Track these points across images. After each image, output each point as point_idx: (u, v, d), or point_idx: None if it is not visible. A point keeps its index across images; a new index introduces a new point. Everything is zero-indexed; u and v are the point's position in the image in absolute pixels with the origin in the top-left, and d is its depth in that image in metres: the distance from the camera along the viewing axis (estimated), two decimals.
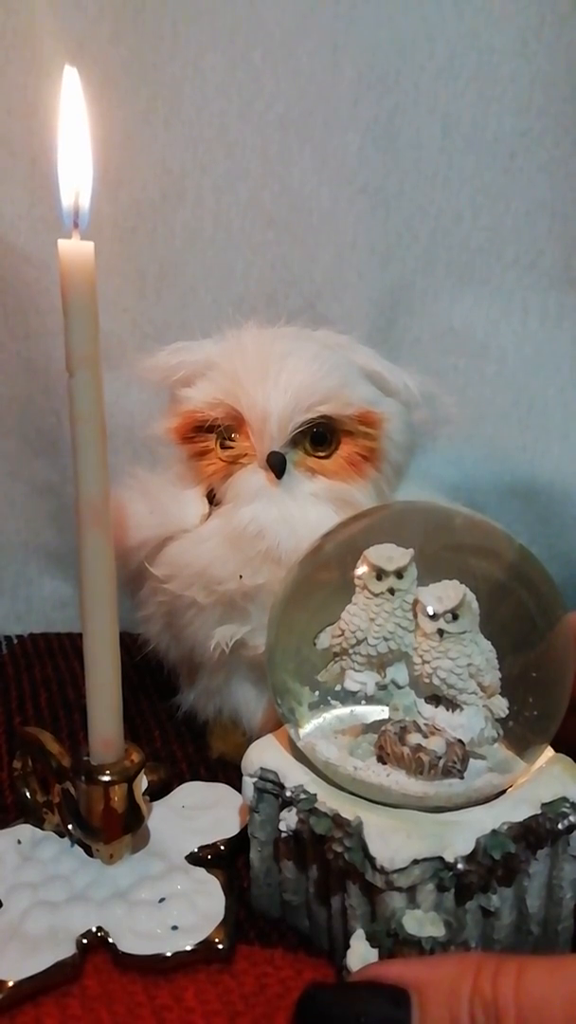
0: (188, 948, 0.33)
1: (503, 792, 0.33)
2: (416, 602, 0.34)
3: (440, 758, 0.32)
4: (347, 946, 0.31)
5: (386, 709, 0.34)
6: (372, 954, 0.30)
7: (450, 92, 0.52)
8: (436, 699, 0.34)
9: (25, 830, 0.39)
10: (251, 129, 0.53)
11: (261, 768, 0.34)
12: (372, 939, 0.31)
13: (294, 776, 0.33)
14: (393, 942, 0.30)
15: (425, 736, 0.33)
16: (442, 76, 0.52)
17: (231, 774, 0.42)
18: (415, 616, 0.34)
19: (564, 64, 0.51)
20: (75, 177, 0.32)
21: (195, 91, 0.53)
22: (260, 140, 0.54)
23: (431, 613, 0.33)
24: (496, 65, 0.52)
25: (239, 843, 0.38)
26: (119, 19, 0.52)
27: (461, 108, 0.53)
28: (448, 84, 0.52)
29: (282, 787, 0.33)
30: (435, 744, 0.32)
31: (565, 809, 0.31)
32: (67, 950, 0.33)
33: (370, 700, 0.34)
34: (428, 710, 0.34)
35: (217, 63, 0.53)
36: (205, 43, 0.52)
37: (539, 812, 0.31)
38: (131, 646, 0.44)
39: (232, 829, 0.39)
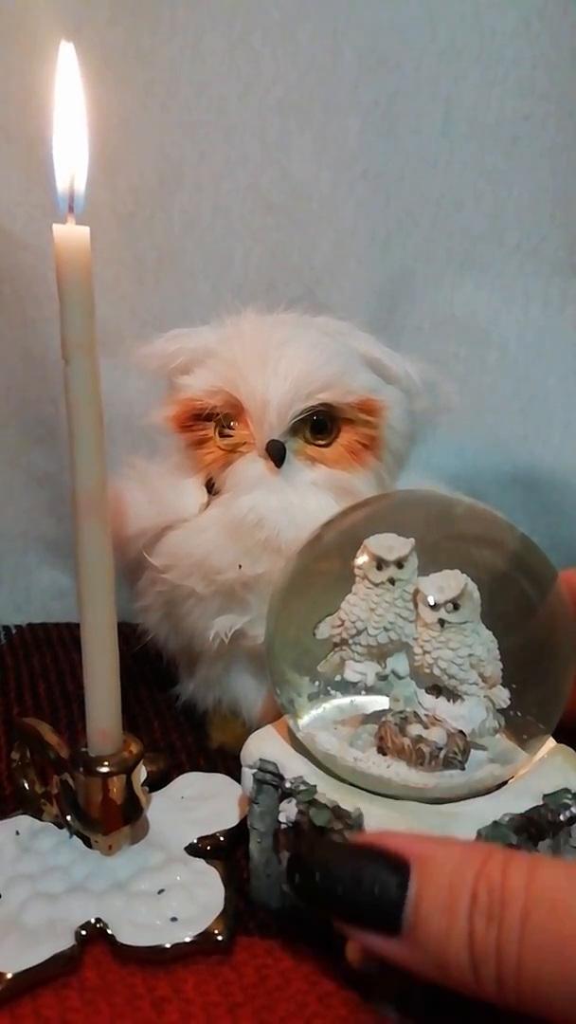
0: (187, 939, 0.33)
1: (504, 783, 0.33)
2: (417, 592, 0.33)
3: (441, 749, 0.32)
4: (346, 937, 0.31)
5: (386, 700, 0.34)
6: None
7: (452, 75, 0.52)
8: (437, 690, 0.33)
9: (23, 821, 0.39)
10: (250, 113, 0.53)
11: (260, 759, 0.34)
12: None
13: (294, 767, 0.33)
14: None
15: (426, 727, 0.32)
16: (444, 59, 0.52)
17: (230, 765, 0.41)
18: (416, 606, 0.33)
19: (567, 46, 0.51)
20: (71, 160, 0.32)
21: (193, 75, 0.53)
22: (259, 124, 0.53)
23: (432, 603, 0.33)
24: (498, 48, 0.51)
25: (238, 834, 0.38)
26: (116, 1, 0.52)
27: (463, 92, 0.52)
28: (450, 67, 0.52)
29: (281, 778, 0.33)
30: (436, 735, 0.32)
31: (567, 800, 0.31)
32: (66, 942, 0.32)
33: (370, 691, 0.34)
34: (429, 701, 0.33)
35: (216, 46, 0.52)
36: (204, 26, 0.52)
37: (541, 803, 0.31)
38: (130, 636, 0.44)
39: (231, 820, 0.39)
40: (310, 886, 0.28)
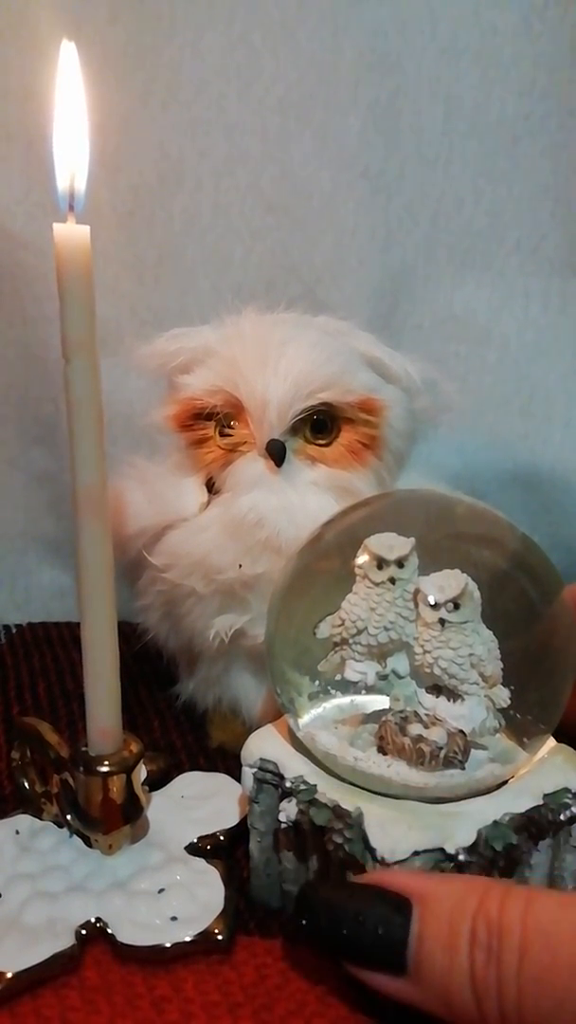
0: (187, 939, 0.33)
1: (505, 783, 0.33)
2: (417, 591, 0.33)
3: (441, 748, 0.32)
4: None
5: (387, 699, 0.34)
6: None
7: (452, 74, 0.52)
8: (437, 689, 0.33)
9: (24, 820, 0.39)
10: (250, 112, 0.53)
11: (261, 758, 0.34)
12: None
13: (294, 766, 0.33)
14: None
15: (426, 726, 0.32)
16: (444, 57, 0.51)
17: (230, 764, 0.41)
18: (416, 605, 0.33)
19: (568, 45, 0.50)
20: (71, 159, 0.32)
21: (193, 73, 0.52)
22: (259, 123, 0.53)
23: (432, 602, 0.33)
24: (499, 46, 0.51)
25: (239, 833, 0.38)
26: (117, 0, 0.52)
27: (463, 90, 0.52)
28: (450, 66, 0.52)
29: (282, 777, 0.33)
30: (436, 734, 0.32)
31: (567, 800, 0.31)
32: (66, 941, 0.32)
33: (370, 690, 0.34)
34: (429, 700, 0.33)
35: (216, 44, 0.52)
36: (204, 24, 0.52)
37: (541, 803, 0.31)
38: (130, 635, 0.44)
39: (231, 819, 0.39)
40: (316, 928, 0.29)
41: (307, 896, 0.30)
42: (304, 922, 0.29)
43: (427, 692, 0.34)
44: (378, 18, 0.51)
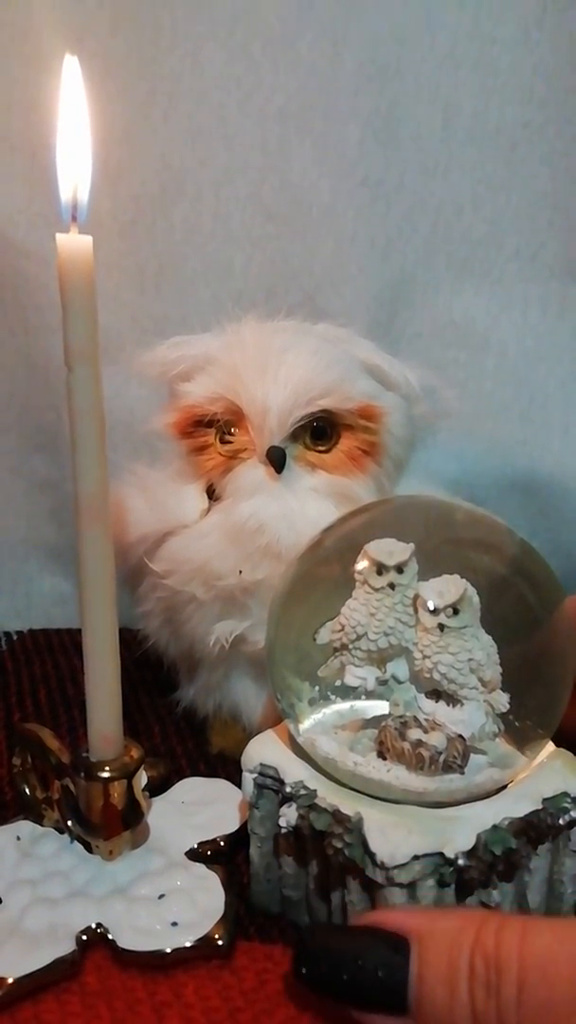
0: (188, 944, 0.33)
1: (504, 787, 0.33)
2: (417, 597, 0.33)
3: (441, 753, 0.32)
4: None
5: (386, 704, 0.34)
6: None
7: (451, 83, 0.52)
8: (437, 694, 0.34)
9: (24, 826, 0.39)
10: (250, 122, 0.53)
11: (261, 764, 0.34)
12: None
13: (294, 772, 0.33)
14: None
15: (425, 731, 0.33)
16: (443, 67, 0.52)
17: (231, 770, 0.41)
18: (416, 611, 0.34)
19: (566, 54, 0.51)
20: (74, 170, 0.32)
21: (194, 84, 0.53)
22: (259, 133, 0.53)
23: (432, 608, 0.33)
24: (497, 55, 0.51)
25: (239, 839, 0.38)
26: (118, 11, 0.52)
27: (462, 99, 0.52)
28: (449, 75, 0.52)
29: (282, 783, 0.33)
30: (436, 739, 0.32)
31: (566, 804, 0.31)
32: (67, 947, 0.33)
33: (370, 695, 0.34)
34: (428, 705, 0.34)
35: (216, 55, 0.52)
36: (204, 35, 0.52)
37: (540, 807, 0.31)
38: (131, 642, 0.44)
39: (232, 825, 0.39)
40: (317, 976, 0.29)
41: (306, 944, 0.30)
42: (304, 971, 0.29)
43: (427, 697, 0.34)
44: (377, 29, 0.51)
